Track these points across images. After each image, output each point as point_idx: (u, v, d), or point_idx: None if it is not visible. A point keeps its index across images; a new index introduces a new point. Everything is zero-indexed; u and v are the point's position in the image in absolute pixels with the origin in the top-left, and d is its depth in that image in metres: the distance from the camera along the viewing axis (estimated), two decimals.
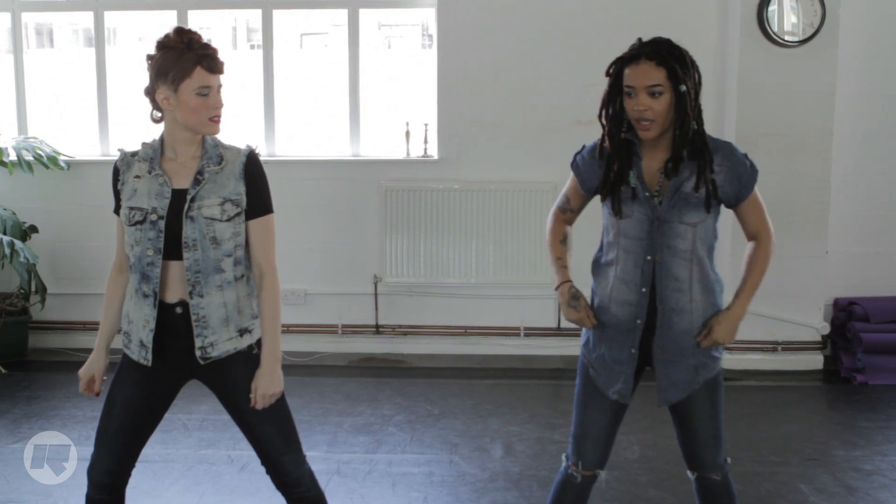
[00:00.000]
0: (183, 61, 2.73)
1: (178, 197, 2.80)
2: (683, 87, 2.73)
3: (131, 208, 2.81)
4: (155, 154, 2.86)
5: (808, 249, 5.85)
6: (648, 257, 2.82)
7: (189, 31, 2.79)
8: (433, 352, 6.32)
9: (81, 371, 2.98)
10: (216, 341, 2.84)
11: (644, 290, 2.83)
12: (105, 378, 2.98)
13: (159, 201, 2.79)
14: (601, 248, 2.99)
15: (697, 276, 2.85)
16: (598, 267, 2.99)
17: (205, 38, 2.81)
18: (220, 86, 2.82)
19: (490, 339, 6.33)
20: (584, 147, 3.02)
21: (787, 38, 5.69)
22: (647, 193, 2.81)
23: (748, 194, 2.87)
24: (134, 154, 2.90)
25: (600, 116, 2.88)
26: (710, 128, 5.40)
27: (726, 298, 2.95)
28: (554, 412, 5.19)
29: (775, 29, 5.68)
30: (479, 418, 5.16)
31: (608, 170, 2.87)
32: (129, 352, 2.89)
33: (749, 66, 5.76)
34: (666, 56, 2.73)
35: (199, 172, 2.82)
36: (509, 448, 4.74)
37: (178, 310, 2.82)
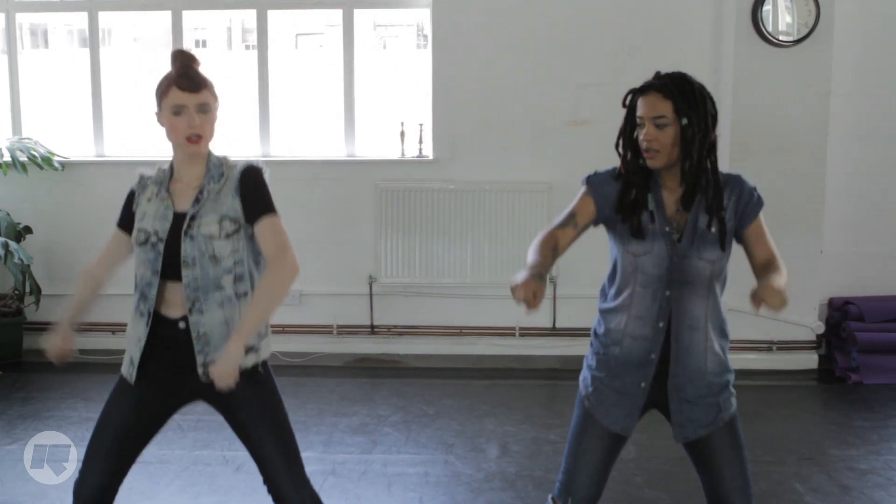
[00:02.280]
0: (164, 81, 2.80)
1: (180, 219, 2.82)
2: (685, 121, 2.74)
3: (139, 230, 2.85)
4: (165, 177, 2.88)
5: (803, 249, 5.86)
6: (667, 293, 2.79)
7: (180, 53, 2.83)
8: (429, 352, 6.32)
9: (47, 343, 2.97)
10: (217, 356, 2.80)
11: (661, 324, 2.79)
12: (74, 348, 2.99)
13: (161, 224, 2.81)
14: (611, 282, 2.91)
15: (712, 313, 2.82)
16: (607, 302, 2.91)
17: (194, 56, 2.83)
18: (200, 104, 2.78)
19: (485, 340, 6.33)
20: (595, 171, 2.94)
21: (781, 37, 5.70)
22: (666, 228, 2.79)
23: (750, 221, 2.84)
24: (149, 177, 2.93)
25: (617, 146, 2.88)
26: None
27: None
28: (550, 412, 5.19)
29: (770, 29, 5.69)
30: (474, 418, 5.16)
31: (626, 191, 2.83)
32: (122, 364, 2.91)
33: (744, 66, 5.76)
34: (673, 88, 2.75)
35: (200, 191, 2.83)
36: (505, 448, 4.74)
37: (182, 325, 2.81)
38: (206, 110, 2.80)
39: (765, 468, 4.45)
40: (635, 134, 2.83)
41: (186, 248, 2.78)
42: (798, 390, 5.73)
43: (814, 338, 6.03)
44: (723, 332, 2.88)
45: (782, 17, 5.71)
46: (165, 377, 2.86)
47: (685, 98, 2.75)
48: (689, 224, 2.79)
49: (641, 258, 2.80)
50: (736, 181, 2.84)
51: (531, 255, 2.85)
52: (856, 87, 6.04)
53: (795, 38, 5.69)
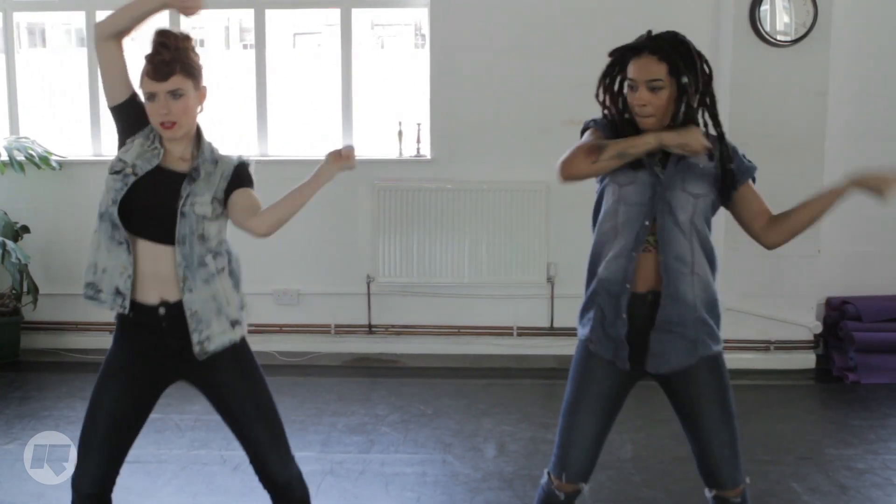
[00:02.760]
0: (141, 69, 2.81)
1: (163, 174, 2.82)
2: (685, 79, 2.75)
3: (119, 159, 2.83)
4: (155, 134, 2.87)
5: (801, 249, 5.83)
6: (647, 222, 2.80)
7: (157, 34, 2.84)
8: (426, 351, 6.31)
9: None
10: (212, 335, 2.83)
11: (634, 253, 2.81)
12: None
13: (142, 164, 2.80)
14: (594, 224, 2.97)
15: (698, 248, 2.84)
16: (596, 239, 2.95)
17: (168, 38, 2.82)
18: (170, 91, 2.78)
19: (483, 339, 6.33)
20: (593, 118, 2.99)
21: (779, 37, 5.70)
22: (652, 160, 2.83)
23: (743, 181, 2.90)
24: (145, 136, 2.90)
25: (597, 95, 2.90)
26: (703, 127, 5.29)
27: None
28: (547, 412, 5.19)
29: (768, 28, 5.69)
30: (472, 418, 5.16)
31: (622, 134, 2.86)
32: (97, 302, 2.83)
33: (741, 66, 5.76)
34: (668, 50, 2.75)
35: (195, 170, 2.84)
36: (503, 448, 4.74)
37: (162, 310, 2.81)
38: (179, 95, 2.79)
39: (762, 468, 4.45)
40: (623, 90, 2.86)
41: (180, 226, 2.78)
42: (795, 390, 5.73)
43: (811, 337, 6.03)
44: (713, 266, 2.89)
45: (780, 17, 5.71)
46: (150, 361, 2.86)
47: (682, 59, 2.77)
48: (674, 158, 2.82)
49: (626, 188, 2.84)
50: (733, 148, 2.92)
51: (605, 146, 2.84)
52: (854, 86, 6.04)
53: (793, 37, 5.69)
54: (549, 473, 2.99)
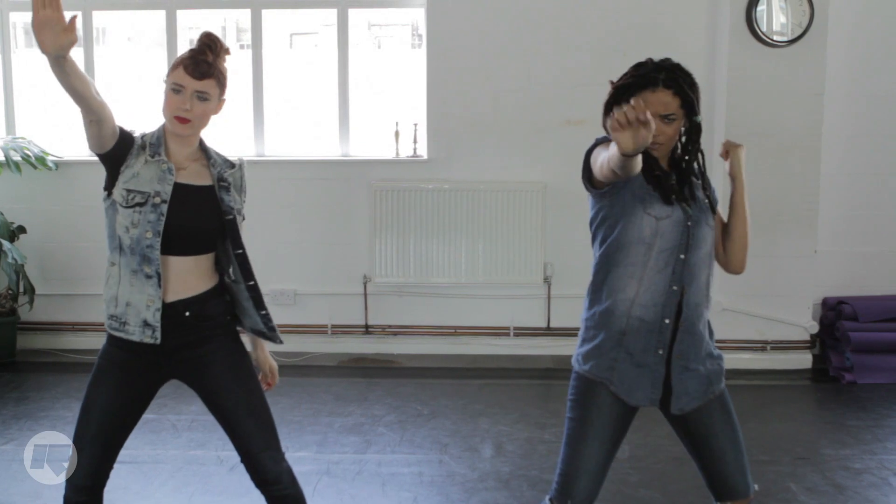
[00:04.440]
0: (179, 56, 2.86)
1: (185, 191, 2.85)
2: (699, 118, 2.79)
3: (130, 190, 2.81)
4: (158, 142, 2.87)
5: (797, 249, 5.87)
6: (681, 256, 2.80)
7: (205, 36, 2.86)
8: (423, 352, 6.31)
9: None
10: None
11: (675, 288, 2.80)
12: None
13: (162, 186, 2.82)
14: (608, 257, 2.85)
15: (708, 282, 2.90)
16: (613, 269, 2.84)
17: (216, 46, 2.86)
18: (198, 91, 2.81)
19: (480, 339, 6.33)
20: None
21: (775, 37, 5.71)
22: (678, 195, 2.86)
23: (715, 208, 2.96)
24: (142, 140, 2.89)
25: (605, 124, 2.85)
26: None
27: None
28: (544, 412, 5.19)
29: (764, 29, 5.70)
30: (469, 418, 5.16)
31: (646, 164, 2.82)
32: (125, 334, 2.84)
33: (738, 66, 5.77)
34: (682, 85, 2.77)
35: (222, 179, 2.91)
36: (499, 448, 4.74)
37: (188, 313, 2.88)
38: (205, 98, 2.84)
39: (759, 468, 4.45)
40: None
41: (236, 234, 2.90)
42: (792, 390, 5.74)
43: (808, 337, 6.04)
44: (709, 304, 2.94)
45: (776, 18, 5.72)
46: (150, 359, 2.88)
47: (694, 93, 2.80)
48: (696, 191, 2.88)
49: (664, 221, 2.79)
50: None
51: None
52: (850, 87, 6.05)
53: (790, 38, 5.70)
54: (550, 500, 2.93)
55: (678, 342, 2.83)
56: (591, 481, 2.87)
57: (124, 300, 2.84)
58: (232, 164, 2.97)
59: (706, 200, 2.88)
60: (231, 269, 2.92)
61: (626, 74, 2.83)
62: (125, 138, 2.85)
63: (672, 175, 2.83)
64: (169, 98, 2.83)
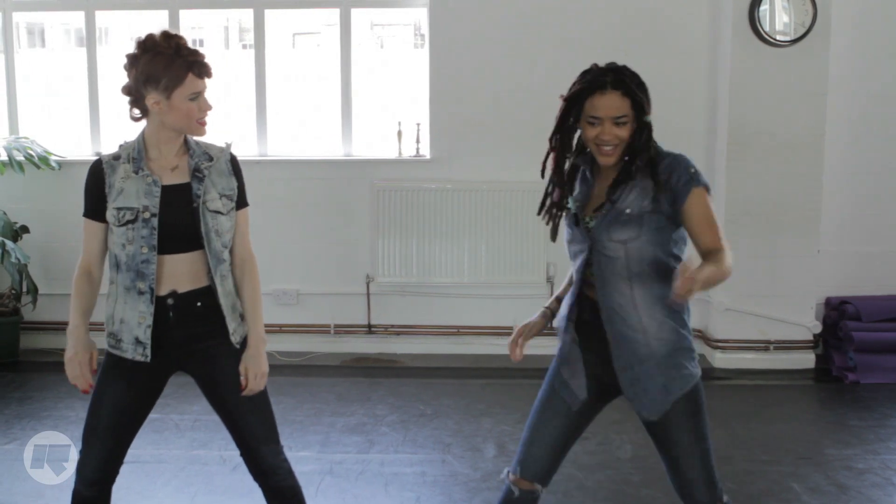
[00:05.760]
0: (174, 69, 2.78)
1: (170, 193, 2.85)
2: (649, 118, 2.75)
3: (119, 209, 2.83)
4: (139, 155, 2.88)
5: (800, 248, 5.87)
6: (583, 272, 2.85)
7: (176, 36, 2.83)
8: (425, 351, 6.32)
9: (70, 356, 2.91)
10: (236, 328, 2.95)
11: (573, 297, 2.90)
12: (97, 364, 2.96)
13: (150, 199, 2.83)
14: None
15: (643, 298, 2.76)
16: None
17: (189, 41, 2.86)
18: (203, 91, 2.86)
19: (482, 339, 6.33)
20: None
21: (778, 37, 5.70)
22: (584, 217, 2.84)
23: (683, 199, 2.71)
24: (116, 157, 2.90)
25: (552, 139, 2.86)
26: (703, 127, 5.40)
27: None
28: None
29: (767, 28, 5.69)
30: (471, 418, 5.16)
31: (547, 194, 2.91)
32: (120, 352, 2.89)
33: (741, 66, 5.77)
34: (630, 86, 2.74)
35: (197, 170, 2.89)
36: (502, 448, 4.74)
37: (170, 301, 2.86)
38: (204, 96, 2.89)
39: (761, 468, 4.45)
40: (575, 130, 2.83)
41: (202, 225, 2.84)
42: (795, 390, 5.73)
43: (811, 337, 6.04)
44: (670, 316, 2.78)
45: (779, 17, 5.72)
46: (159, 353, 2.89)
47: (643, 93, 2.77)
48: (606, 208, 2.78)
49: (571, 245, 2.89)
50: (676, 160, 2.76)
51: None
52: (853, 86, 6.04)
53: (793, 37, 5.70)
54: (508, 473, 3.03)
55: (615, 358, 2.84)
56: (544, 452, 2.98)
57: (119, 317, 2.89)
58: (210, 158, 2.93)
59: (627, 210, 2.74)
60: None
61: (574, 83, 2.82)
62: (96, 189, 2.87)
63: (569, 211, 2.86)
64: (188, 109, 2.81)
